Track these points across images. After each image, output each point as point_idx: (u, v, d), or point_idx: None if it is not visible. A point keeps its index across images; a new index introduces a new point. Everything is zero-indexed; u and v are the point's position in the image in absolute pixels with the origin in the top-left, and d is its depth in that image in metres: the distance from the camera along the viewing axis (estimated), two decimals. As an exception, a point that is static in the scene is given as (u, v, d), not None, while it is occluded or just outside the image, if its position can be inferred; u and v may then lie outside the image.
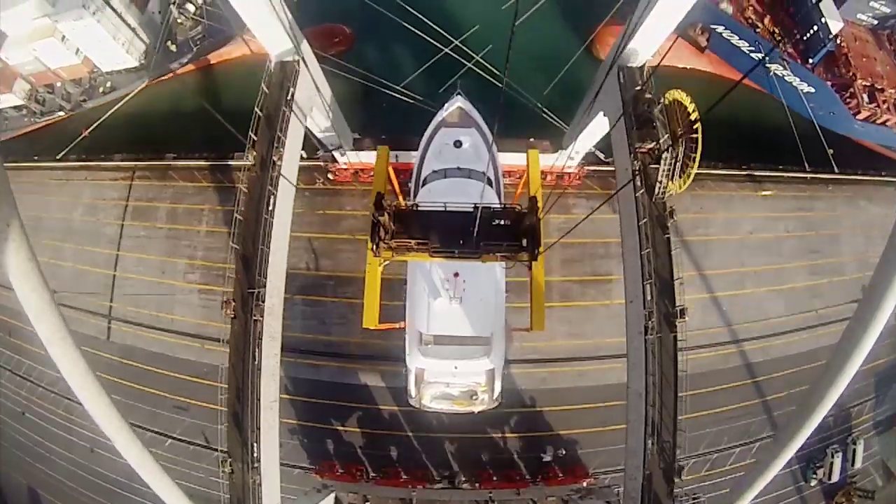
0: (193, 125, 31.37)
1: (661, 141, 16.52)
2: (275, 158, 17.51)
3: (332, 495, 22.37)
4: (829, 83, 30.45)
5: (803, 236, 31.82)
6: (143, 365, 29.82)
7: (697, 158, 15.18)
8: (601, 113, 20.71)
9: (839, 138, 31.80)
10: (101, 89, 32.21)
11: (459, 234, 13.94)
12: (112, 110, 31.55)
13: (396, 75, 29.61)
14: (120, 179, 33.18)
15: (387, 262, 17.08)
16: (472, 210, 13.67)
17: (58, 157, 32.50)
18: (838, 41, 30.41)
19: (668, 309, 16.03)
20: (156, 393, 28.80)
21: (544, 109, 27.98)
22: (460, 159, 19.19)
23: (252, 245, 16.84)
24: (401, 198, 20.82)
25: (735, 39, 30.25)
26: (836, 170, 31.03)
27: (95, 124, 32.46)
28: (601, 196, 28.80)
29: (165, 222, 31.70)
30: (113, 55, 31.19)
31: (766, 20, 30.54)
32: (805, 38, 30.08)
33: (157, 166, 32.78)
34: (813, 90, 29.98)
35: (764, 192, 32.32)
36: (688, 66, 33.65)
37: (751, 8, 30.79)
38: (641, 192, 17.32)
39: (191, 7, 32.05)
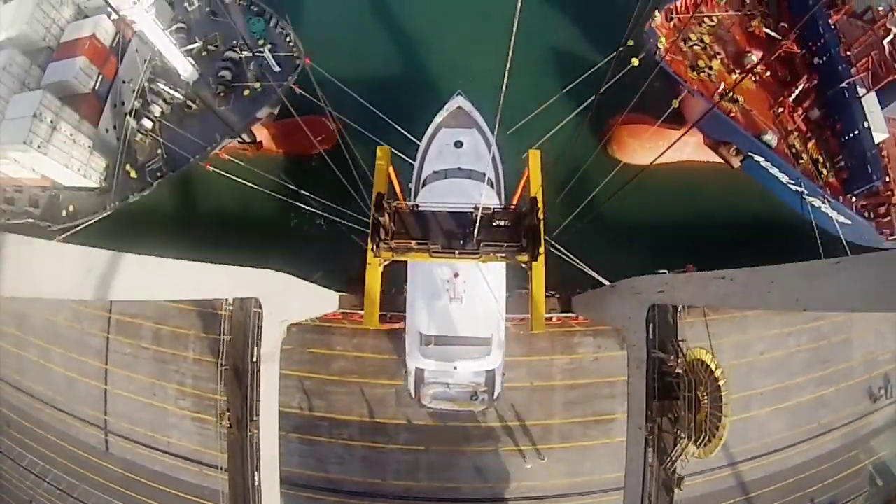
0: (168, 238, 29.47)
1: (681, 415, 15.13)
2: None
3: None
4: (864, 212, 27.55)
5: (815, 347, 31.26)
6: (145, 481, 29.95)
7: (725, 424, 13.93)
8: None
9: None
10: (63, 212, 29.34)
11: (460, 235, 14.30)
12: (78, 229, 29.06)
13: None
14: None
15: (387, 262, 16.78)
16: (472, 210, 13.87)
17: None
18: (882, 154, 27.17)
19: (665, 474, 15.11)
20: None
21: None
22: (461, 160, 19.37)
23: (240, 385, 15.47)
24: (401, 198, 20.12)
25: (774, 170, 26.97)
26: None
27: (65, 235, 30.12)
28: (608, 332, 27.95)
29: (151, 342, 30.49)
30: (69, 178, 28.06)
31: (811, 145, 27.01)
32: (849, 165, 27.38)
33: None
34: (849, 223, 27.31)
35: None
36: (698, 160, 30.72)
37: (795, 132, 27.10)
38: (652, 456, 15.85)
39: (147, 123, 28.22)
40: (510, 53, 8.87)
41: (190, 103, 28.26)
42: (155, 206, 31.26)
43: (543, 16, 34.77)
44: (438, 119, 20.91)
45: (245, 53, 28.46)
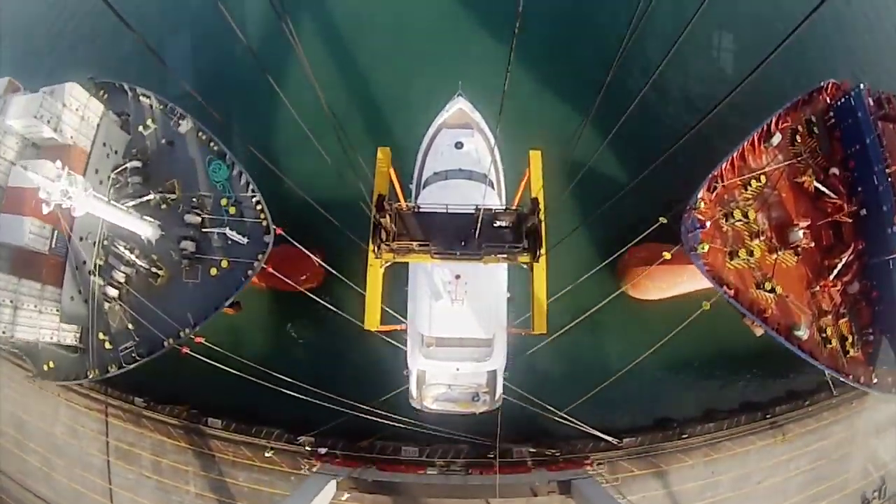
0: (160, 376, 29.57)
1: None
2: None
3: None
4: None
5: (813, 468, 31.06)
6: None
7: None
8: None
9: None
10: (44, 366, 28.25)
11: (461, 236, 14.15)
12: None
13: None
14: (94, 411, 31.73)
15: (388, 264, 16.66)
16: (473, 211, 13.87)
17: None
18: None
19: None
20: None
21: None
22: (462, 161, 19.09)
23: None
24: (402, 199, 20.00)
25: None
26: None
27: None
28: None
29: (152, 472, 30.54)
30: (44, 341, 26.63)
31: (842, 322, 25.34)
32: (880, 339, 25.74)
33: (128, 409, 31.43)
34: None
35: (785, 436, 30.97)
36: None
37: (829, 312, 25.33)
38: None
39: (112, 291, 25.99)
40: (511, 53, 8.74)
41: (156, 271, 25.81)
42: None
43: (545, 13, 33.10)
44: (439, 120, 20.44)
45: (207, 216, 25.42)
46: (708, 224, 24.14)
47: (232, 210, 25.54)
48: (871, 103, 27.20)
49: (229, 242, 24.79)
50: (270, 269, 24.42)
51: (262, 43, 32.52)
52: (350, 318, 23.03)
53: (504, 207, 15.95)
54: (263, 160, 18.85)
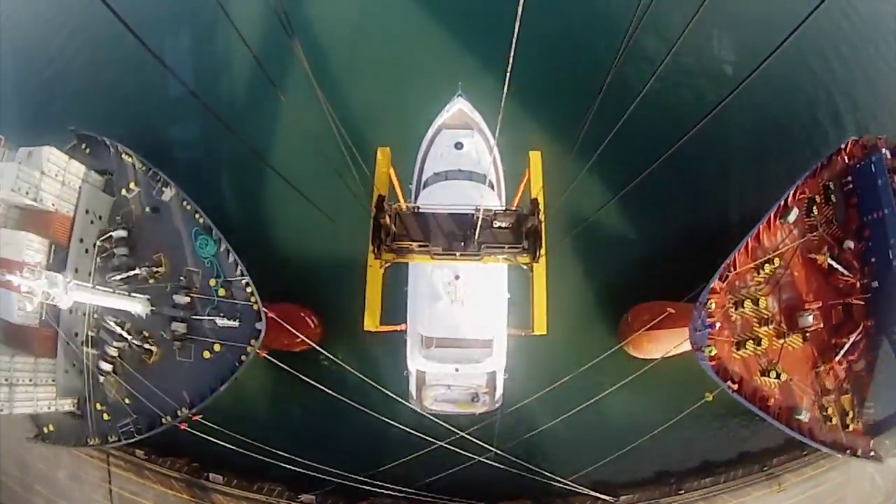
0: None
1: None
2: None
3: None
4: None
5: None
6: None
7: None
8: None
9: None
10: (44, 428, 28.27)
11: (461, 236, 14.28)
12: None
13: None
14: (95, 458, 31.94)
15: (388, 265, 17.02)
16: (473, 212, 13.99)
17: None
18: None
19: None
20: None
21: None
22: (461, 161, 19.21)
23: None
24: (402, 200, 20.05)
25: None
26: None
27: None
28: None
29: None
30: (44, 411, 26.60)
31: (845, 398, 25.26)
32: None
33: (129, 460, 31.66)
34: None
35: (781, 486, 30.93)
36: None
37: (832, 391, 25.12)
38: None
39: (106, 365, 25.48)
40: (511, 53, 8.58)
41: (148, 347, 25.31)
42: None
43: (546, 13, 31.60)
44: (439, 121, 20.34)
45: (196, 295, 24.77)
46: (717, 325, 23.48)
47: (221, 292, 24.78)
48: (889, 155, 25.95)
49: (220, 326, 24.25)
50: (264, 355, 23.98)
51: (262, 44, 30.82)
52: (354, 373, 23.26)
53: (504, 208, 15.72)
54: (268, 164, 17.81)
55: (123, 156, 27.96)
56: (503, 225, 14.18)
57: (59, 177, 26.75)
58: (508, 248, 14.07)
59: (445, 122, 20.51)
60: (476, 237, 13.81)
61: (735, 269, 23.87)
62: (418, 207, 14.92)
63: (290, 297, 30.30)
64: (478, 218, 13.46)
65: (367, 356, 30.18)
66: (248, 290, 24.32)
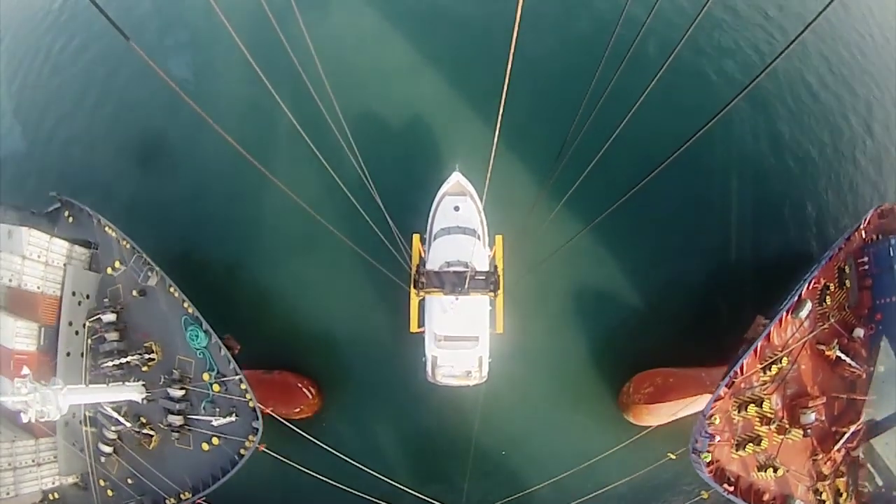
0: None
1: None
2: None
3: None
4: None
5: None
6: None
7: None
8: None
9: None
10: (49, 495, 28.42)
11: (458, 282, 22.82)
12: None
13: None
14: None
15: (421, 298, 26.08)
16: (466, 269, 23.06)
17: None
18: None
19: None
20: None
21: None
22: (459, 220, 26.84)
23: None
24: (422, 252, 28.03)
25: None
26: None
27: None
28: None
29: None
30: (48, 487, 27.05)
31: (840, 481, 24.77)
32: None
33: None
34: None
35: None
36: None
37: (828, 476, 24.76)
38: None
39: (106, 448, 25.53)
40: (496, 137, 11.79)
41: (147, 433, 25.26)
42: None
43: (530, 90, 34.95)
44: (442, 190, 27.63)
45: (191, 387, 24.46)
46: (718, 439, 23.09)
47: (216, 388, 24.50)
48: None
49: (217, 425, 24.13)
50: (263, 449, 23.99)
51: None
52: (346, 459, 26.72)
53: (485, 270, 23.93)
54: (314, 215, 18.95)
55: (107, 229, 26.81)
56: (481, 277, 22.74)
57: (41, 258, 25.83)
58: (483, 288, 22.66)
59: (447, 190, 27.70)
60: (467, 284, 22.40)
61: (742, 373, 23.27)
62: (436, 271, 23.59)
63: (288, 364, 30.05)
64: (468, 274, 22.18)
65: (367, 424, 31.41)
66: (243, 386, 24.00)
